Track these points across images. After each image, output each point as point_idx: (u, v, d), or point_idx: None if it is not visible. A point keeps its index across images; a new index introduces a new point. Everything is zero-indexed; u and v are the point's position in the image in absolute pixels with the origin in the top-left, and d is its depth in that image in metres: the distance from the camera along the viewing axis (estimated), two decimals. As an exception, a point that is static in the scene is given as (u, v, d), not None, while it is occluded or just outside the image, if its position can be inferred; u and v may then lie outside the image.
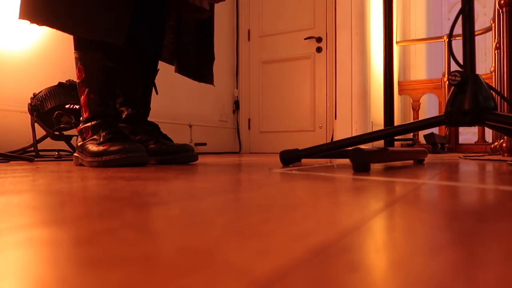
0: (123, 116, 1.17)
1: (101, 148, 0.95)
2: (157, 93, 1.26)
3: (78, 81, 1.04)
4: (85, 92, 1.02)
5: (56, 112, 1.51)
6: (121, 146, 0.92)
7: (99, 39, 0.94)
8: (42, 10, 0.91)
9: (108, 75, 1.03)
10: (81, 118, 1.05)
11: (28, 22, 0.91)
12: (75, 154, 1.05)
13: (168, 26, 1.24)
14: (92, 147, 0.97)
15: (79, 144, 1.03)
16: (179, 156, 1.09)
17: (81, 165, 1.01)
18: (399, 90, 3.67)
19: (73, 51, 1.03)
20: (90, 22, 0.92)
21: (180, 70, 1.25)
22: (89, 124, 1.02)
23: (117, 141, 0.95)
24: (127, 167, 0.88)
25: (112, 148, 0.93)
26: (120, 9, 0.94)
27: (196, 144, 3.01)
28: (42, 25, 0.92)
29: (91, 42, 0.99)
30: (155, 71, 1.22)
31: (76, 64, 1.03)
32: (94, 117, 1.02)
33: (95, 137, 0.99)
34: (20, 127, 1.83)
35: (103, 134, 0.98)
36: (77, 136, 1.07)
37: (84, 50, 1.01)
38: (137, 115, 1.17)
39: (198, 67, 1.25)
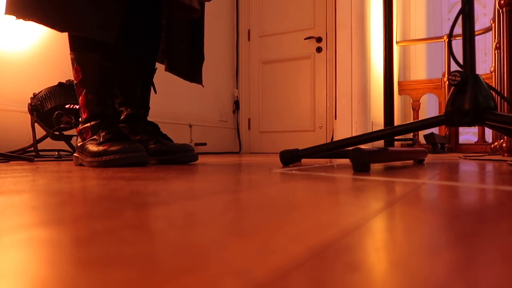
0: (123, 116, 1.17)
1: (101, 148, 0.95)
2: (155, 92, 1.26)
3: (75, 82, 1.03)
4: (83, 93, 1.02)
5: (56, 112, 1.51)
6: (121, 146, 0.92)
7: (88, 36, 0.93)
8: (29, 6, 0.89)
9: (105, 74, 1.03)
10: (80, 119, 1.05)
11: (14, 17, 0.89)
12: (75, 154, 1.05)
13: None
14: (92, 147, 0.97)
15: (79, 144, 1.03)
16: (179, 156, 1.09)
17: (81, 165, 1.01)
18: (399, 90, 3.67)
19: (69, 52, 1.03)
20: (79, 18, 0.91)
21: (172, 69, 1.25)
22: (88, 124, 1.02)
23: (117, 141, 0.95)
24: (127, 167, 0.88)
25: (112, 148, 0.93)
26: (110, 6, 0.93)
27: (196, 144, 3.01)
28: (29, 20, 0.90)
29: (86, 42, 0.98)
30: (153, 70, 1.22)
31: (73, 65, 1.02)
32: (93, 118, 1.02)
33: (95, 137, 0.99)
34: (20, 127, 1.83)
35: (102, 134, 0.98)
36: (77, 136, 1.07)
37: (80, 50, 1.01)
38: (137, 115, 1.17)
39: (190, 67, 1.25)
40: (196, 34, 1.25)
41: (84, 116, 1.03)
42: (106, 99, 1.04)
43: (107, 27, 0.92)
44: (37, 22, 0.90)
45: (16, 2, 0.90)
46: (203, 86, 1.31)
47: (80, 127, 1.04)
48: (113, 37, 0.92)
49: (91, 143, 0.99)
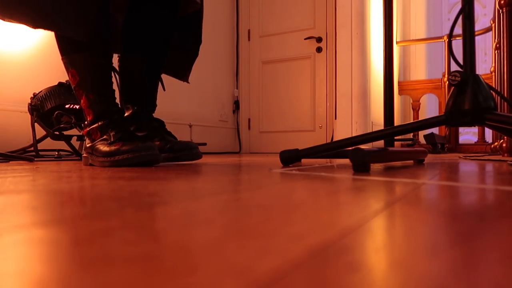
0: (129, 113, 1.15)
1: (113, 148, 0.94)
2: (164, 89, 1.25)
3: (73, 86, 1.01)
4: (84, 95, 1.00)
5: (56, 112, 1.51)
6: (133, 145, 0.91)
7: (60, 33, 0.93)
8: (8, 5, 0.89)
9: (100, 72, 1.01)
10: (85, 122, 1.03)
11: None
12: (84, 155, 1.03)
13: None
14: (104, 147, 0.96)
15: (88, 145, 1.01)
16: (183, 154, 1.09)
17: (91, 165, 1.00)
18: (399, 90, 3.67)
19: (61, 58, 1.01)
20: (52, 14, 0.90)
21: (165, 71, 1.25)
22: (95, 125, 1.00)
23: (128, 140, 0.94)
24: (127, 167, 0.88)
25: (124, 148, 0.92)
26: (85, 4, 0.92)
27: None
28: (8, 21, 0.90)
29: (74, 43, 0.97)
30: (161, 66, 1.20)
31: (67, 69, 1.01)
32: (99, 118, 1.00)
33: (105, 137, 0.97)
34: (20, 127, 1.83)
35: (112, 133, 0.96)
36: (77, 136, 1.06)
37: (71, 52, 0.99)
38: (143, 111, 1.16)
39: (179, 65, 1.24)
40: (192, 29, 1.23)
41: (89, 118, 1.01)
42: (107, 97, 1.02)
43: (81, 25, 0.90)
44: (5, 19, 0.89)
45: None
46: (188, 83, 1.30)
47: (87, 129, 1.02)
48: (87, 35, 0.90)
49: (101, 143, 0.97)
